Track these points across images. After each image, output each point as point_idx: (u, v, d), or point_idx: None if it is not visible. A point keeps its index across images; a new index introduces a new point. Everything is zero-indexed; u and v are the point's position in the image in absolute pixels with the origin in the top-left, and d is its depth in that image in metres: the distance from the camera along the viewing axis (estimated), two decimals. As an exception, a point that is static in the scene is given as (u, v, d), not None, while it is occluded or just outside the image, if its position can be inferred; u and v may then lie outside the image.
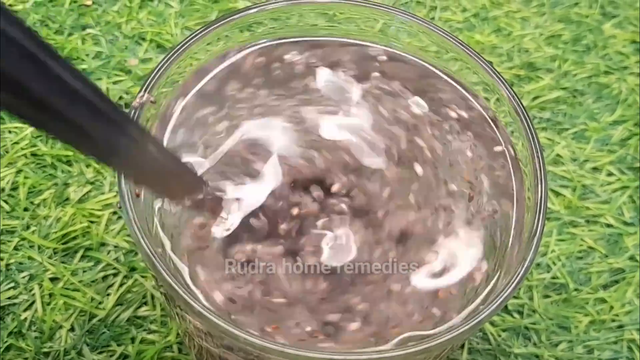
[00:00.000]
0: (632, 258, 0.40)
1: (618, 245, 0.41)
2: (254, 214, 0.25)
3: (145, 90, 0.24)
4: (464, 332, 0.20)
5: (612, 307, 0.38)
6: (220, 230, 0.24)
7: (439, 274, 0.24)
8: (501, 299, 0.21)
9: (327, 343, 0.23)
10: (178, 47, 0.26)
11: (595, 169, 0.43)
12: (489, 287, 0.23)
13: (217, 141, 0.26)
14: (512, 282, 0.21)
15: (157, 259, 0.21)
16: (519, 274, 0.21)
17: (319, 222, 0.25)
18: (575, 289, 0.39)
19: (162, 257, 0.22)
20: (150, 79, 0.25)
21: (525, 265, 0.21)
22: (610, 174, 0.43)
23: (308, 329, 0.23)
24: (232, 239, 0.24)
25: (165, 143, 0.25)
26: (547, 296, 0.38)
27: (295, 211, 0.25)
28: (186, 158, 0.25)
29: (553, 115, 0.45)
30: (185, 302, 0.21)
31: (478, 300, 0.23)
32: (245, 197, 0.25)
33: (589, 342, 0.37)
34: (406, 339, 0.22)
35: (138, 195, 0.23)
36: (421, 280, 0.24)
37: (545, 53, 0.48)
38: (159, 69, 0.25)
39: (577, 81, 0.47)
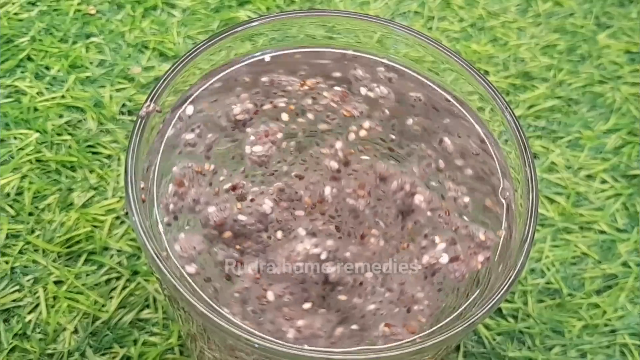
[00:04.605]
0: (625, 264, 0.41)
1: (611, 252, 0.41)
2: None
3: (151, 100, 0.25)
4: (456, 334, 0.21)
5: (605, 312, 0.39)
6: None
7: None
8: (492, 302, 0.21)
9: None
10: (184, 57, 0.27)
11: (589, 176, 0.44)
12: (481, 291, 0.24)
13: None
14: (503, 287, 0.22)
15: (162, 261, 0.22)
16: (510, 277, 0.22)
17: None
18: (569, 294, 0.39)
19: (166, 260, 0.23)
20: (156, 89, 0.25)
21: (516, 270, 0.22)
22: (603, 182, 0.44)
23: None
24: None
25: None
26: (541, 301, 0.39)
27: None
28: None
29: (548, 124, 0.46)
30: (189, 304, 0.22)
31: (470, 302, 0.23)
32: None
33: (582, 346, 0.38)
34: (398, 339, 0.23)
35: (144, 201, 0.24)
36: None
37: (541, 62, 0.49)
38: (165, 79, 0.26)
39: (572, 90, 0.48)
